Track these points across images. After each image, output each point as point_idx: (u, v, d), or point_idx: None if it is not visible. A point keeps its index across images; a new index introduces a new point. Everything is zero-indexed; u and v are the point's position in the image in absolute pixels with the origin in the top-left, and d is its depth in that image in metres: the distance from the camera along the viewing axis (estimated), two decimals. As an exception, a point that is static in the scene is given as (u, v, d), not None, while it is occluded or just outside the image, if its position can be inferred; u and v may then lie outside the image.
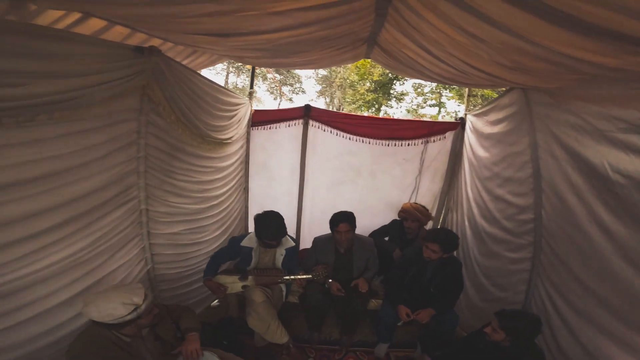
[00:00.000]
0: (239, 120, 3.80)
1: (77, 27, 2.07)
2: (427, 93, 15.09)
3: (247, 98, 4.12)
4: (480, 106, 3.80)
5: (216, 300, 3.80)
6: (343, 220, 3.34)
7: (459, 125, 4.26)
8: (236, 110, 3.70)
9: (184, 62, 3.03)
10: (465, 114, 4.19)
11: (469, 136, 3.95)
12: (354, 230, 3.42)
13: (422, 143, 4.40)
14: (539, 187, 2.64)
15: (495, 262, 3.23)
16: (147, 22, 1.97)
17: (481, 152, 3.48)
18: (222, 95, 3.29)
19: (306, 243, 4.55)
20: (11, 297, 1.79)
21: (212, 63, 3.68)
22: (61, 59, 1.65)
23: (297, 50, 2.75)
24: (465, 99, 4.32)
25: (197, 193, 3.27)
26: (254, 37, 2.12)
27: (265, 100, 21.48)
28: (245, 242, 3.32)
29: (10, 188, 1.64)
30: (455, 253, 3.50)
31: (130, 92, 2.16)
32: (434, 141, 4.39)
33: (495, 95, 11.05)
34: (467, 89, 4.35)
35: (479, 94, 11.21)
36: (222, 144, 3.41)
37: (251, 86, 4.46)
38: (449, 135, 4.35)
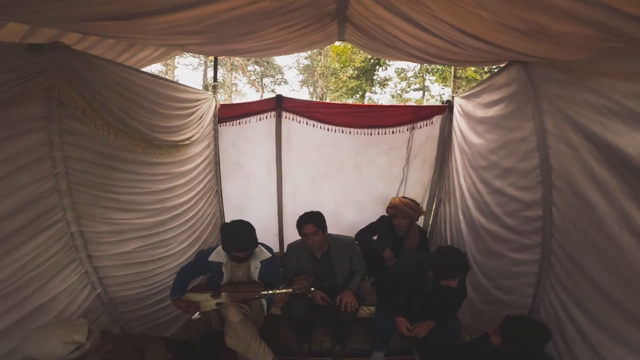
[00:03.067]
0: (200, 118, 3.39)
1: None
2: (410, 77, 14.86)
3: (210, 92, 3.69)
4: (469, 88, 3.42)
5: (197, 313, 3.49)
6: (306, 221, 2.99)
7: (447, 108, 3.91)
8: (195, 106, 3.28)
9: (120, 59, 2.64)
10: (452, 97, 3.83)
11: (458, 120, 3.58)
12: (324, 230, 3.05)
13: (407, 130, 4.05)
14: (548, 180, 2.26)
15: (496, 262, 2.88)
16: (22, 14, 1.54)
17: (474, 138, 3.10)
18: (173, 92, 2.88)
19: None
20: None
21: (161, 58, 3.23)
22: None
23: (245, 31, 2.32)
24: (452, 81, 3.95)
25: (151, 205, 2.89)
26: (173, 16, 1.71)
27: (247, 94, 21.18)
28: (213, 257, 2.96)
29: None
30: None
31: (31, 97, 1.76)
32: (420, 127, 4.04)
33: (479, 78, 10.85)
34: (452, 70, 3.99)
35: (463, 75, 10.98)
36: (178, 146, 3.00)
37: (214, 79, 4.03)
38: (437, 120, 4.00)
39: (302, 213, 4.33)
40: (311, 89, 19.23)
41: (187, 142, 3.12)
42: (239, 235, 2.81)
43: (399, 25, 2.06)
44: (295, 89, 21.15)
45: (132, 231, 2.74)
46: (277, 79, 21.20)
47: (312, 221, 2.97)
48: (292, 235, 4.43)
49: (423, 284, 2.82)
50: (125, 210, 2.61)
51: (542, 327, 2.26)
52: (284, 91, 20.69)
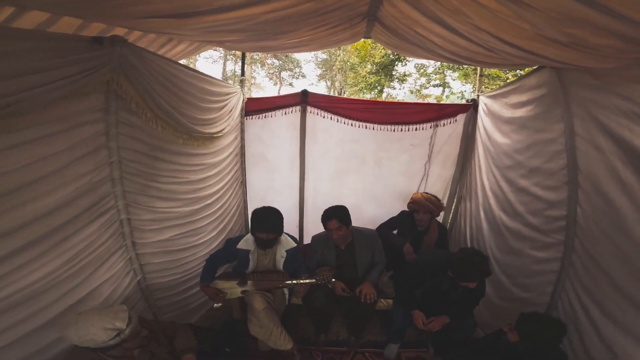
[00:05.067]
0: (230, 111, 3.48)
1: (18, 21, 1.74)
2: (430, 74, 14.64)
3: (238, 86, 3.78)
4: (497, 87, 3.44)
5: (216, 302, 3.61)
6: (330, 216, 3.07)
7: (471, 107, 3.93)
8: (226, 100, 3.37)
9: (160, 52, 2.70)
10: (478, 95, 3.84)
11: (483, 119, 3.60)
12: (347, 225, 3.13)
13: (431, 127, 4.07)
14: (575, 181, 2.31)
15: (517, 260, 2.93)
16: (82, 10, 1.63)
17: (499, 138, 3.14)
18: (209, 85, 2.96)
19: (309, 236, 4.30)
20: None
21: (193, 52, 3.31)
22: None
23: (284, 30, 2.38)
24: (477, 79, 3.97)
25: (187, 194, 2.99)
26: (222, 16, 1.77)
27: (265, 87, 21.16)
28: (241, 245, 3.06)
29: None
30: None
31: (92, 89, 1.84)
32: (444, 125, 4.06)
33: (503, 75, 10.69)
34: (478, 69, 3.98)
35: (486, 72, 10.79)
36: (212, 138, 3.10)
37: (242, 73, 4.12)
38: (460, 118, 4.02)
39: (322, 206, 4.43)
40: (329, 83, 19.15)
41: (219, 134, 3.21)
42: (267, 218, 2.91)
43: (433, 29, 2.08)
44: (313, 83, 21.16)
45: (170, 219, 2.83)
46: (295, 73, 21.13)
47: (335, 217, 3.05)
48: (311, 227, 4.55)
49: (441, 281, 2.86)
50: (165, 199, 2.71)
51: (559, 323, 2.31)
52: (302, 85, 20.67)
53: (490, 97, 3.46)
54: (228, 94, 3.43)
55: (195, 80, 2.73)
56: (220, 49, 17.11)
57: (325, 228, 3.14)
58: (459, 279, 2.67)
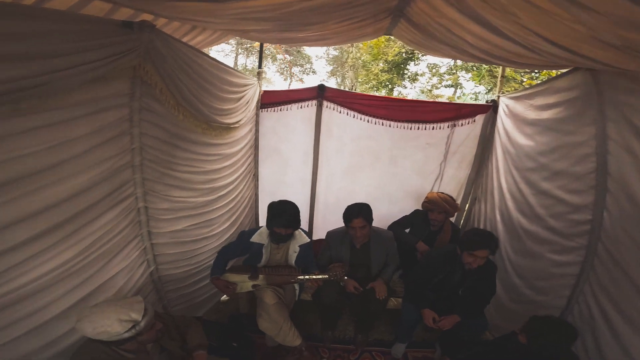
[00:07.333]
0: (247, 102, 3.44)
1: (50, 3, 1.70)
2: (443, 74, 14.48)
3: (255, 78, 3.74)
4: (522, 89, 3.38)
5: (226, 295, 3.58)
6: (357, 214, 3.02)
7: (491, 108, 3.87)
8: (244, 91, 3.33)
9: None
10: (498, 97, 3.78)
11: (504, 121, 3.54)
12: (371, 224, 3.10)
13: (448, 127, 4.01)
14: (603, 185, 2.27)
15: (534, 263, 2.90)
16: None
17: (522, 140, 3.08)
18: (228, 76, 2.92)
19: (319, 231, 4.32)
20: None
21: (214, 42, 3.28)
22: (27, 38, 1.30)
23: (312, 21, 2.34)
24: (498, 80, 3.89)
25: (203, 184, 2.96)
26: (255, 2, 1.73)
27: (275, 81, 21.10)
28: (255, 238, 3.03)
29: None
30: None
31: (119, 74, 1.81)
32: (461, 125, 4.00)
33: (518, 77, 10.55)
34: (500, 69, 3.91)
35: (497, 73, 10.64)
36: (229, 128, 3.06)
37: (260, 65, 4.05)
38: (479, 119, 3.96)
39: (333, 202, 4.45)
40: (339, 80, 19.06)
41: (236, 125, 3.18)
42: (285, 212, 2.88)
43: (467, 27, 2.02)
44: (324, 79, 20.94)
45: (185, 209, 2.81)
46: (306, 69, 21.03)
47: (362, 216, 3.01)
48: (321, 222, 4.55)
49: (452, 275, 2.87)
50: (182, 188, 2.68)
51: (569, 327, 2.31)
52: (313, 81, 20.66)
53: (512, 98, 3.40)
54: (246, 85, 3.39)
55: (216, 70, 2.70)
56: (232, 42, 17.06)
57: (347, 225, 3.10)
58: (465, 249, 2.70)
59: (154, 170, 2.35)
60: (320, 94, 4.01)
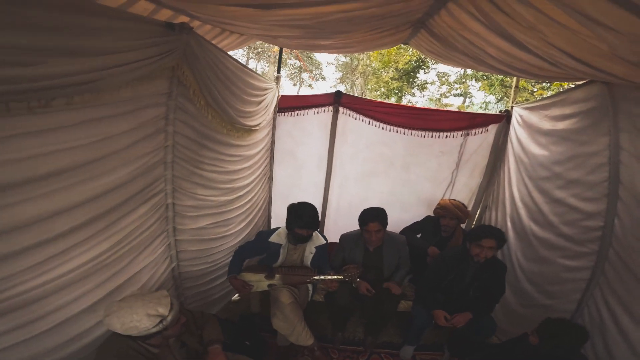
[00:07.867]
0: (267, 106, 3.53)
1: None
2: (453, 82, 14.52)
3: (274, 83, 3.84)
4: (536, 99, 3.45)
5: (237, 294, 3.63)
6: (373, 218, 3.09)
7: (504, 118, 3.94)
8: (264, 95, 3.42)
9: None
10: (512, 107, 3.85)
11: (517, 130, 3.61)
12: (385, 228, 3.17)
13: (461, 135, 4.09)
14: (615, 193, 2.35)
15: (544, 269, 2.97)
16: None
17: (536, 150, 3.15)
18: (251, 79, 3.01)
19: (330, 235, 4.35)
20: (29, 307, 1.58)
21: (239, 45, 3.39)
22: (83, 34, 1.36)
23: (342, 30, 2.43)
24: (513, 91, 3.97)
25: (224, 184, 3.04)
26: (300, 11, 1.81)
27: (285, 87, 21.21)
28: (273, 238, 3.10)
29: (21, 186, 1.39)
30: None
31: (160, 74, 1.89)
32: (475, 134, 4.08)
33: (530, 87, 10.59)
34: (514, 80, 3.98)
35: (512, 84, 10.53)
36: (251, 130, 3.15)
37: (278, 70, 4.16)
38: (492, 129, 4.03)
39: (346, 206, 4.51)
40: (348, 87, 19.16)
41: (256, 127, 3.26)
42: (306, 214, 2.93)
43: (491, 40, 2.08)
44: (333, 85, 21.12)
45: (207, 207, 2.88)
46: (316, 75, 21.20)
47: (378, 220, 3.08)
48: (333, 227, 4.60)
49: (462, 274, 2.93)
50: (206, 187, 2.75)
51: (581, 329, 2.35)
52: (323, 88, 21.02)
53: (527, 108, 3.46)
54: (266, 89, 3.48)
55: (241, 73, 2.78)
56: (245, 47, 17.20)
57: (362, 228, 3.17)
58: (472, 240, 2.78)
59: (183, 167, 2.42)
60: (336, 100, 4.09)
